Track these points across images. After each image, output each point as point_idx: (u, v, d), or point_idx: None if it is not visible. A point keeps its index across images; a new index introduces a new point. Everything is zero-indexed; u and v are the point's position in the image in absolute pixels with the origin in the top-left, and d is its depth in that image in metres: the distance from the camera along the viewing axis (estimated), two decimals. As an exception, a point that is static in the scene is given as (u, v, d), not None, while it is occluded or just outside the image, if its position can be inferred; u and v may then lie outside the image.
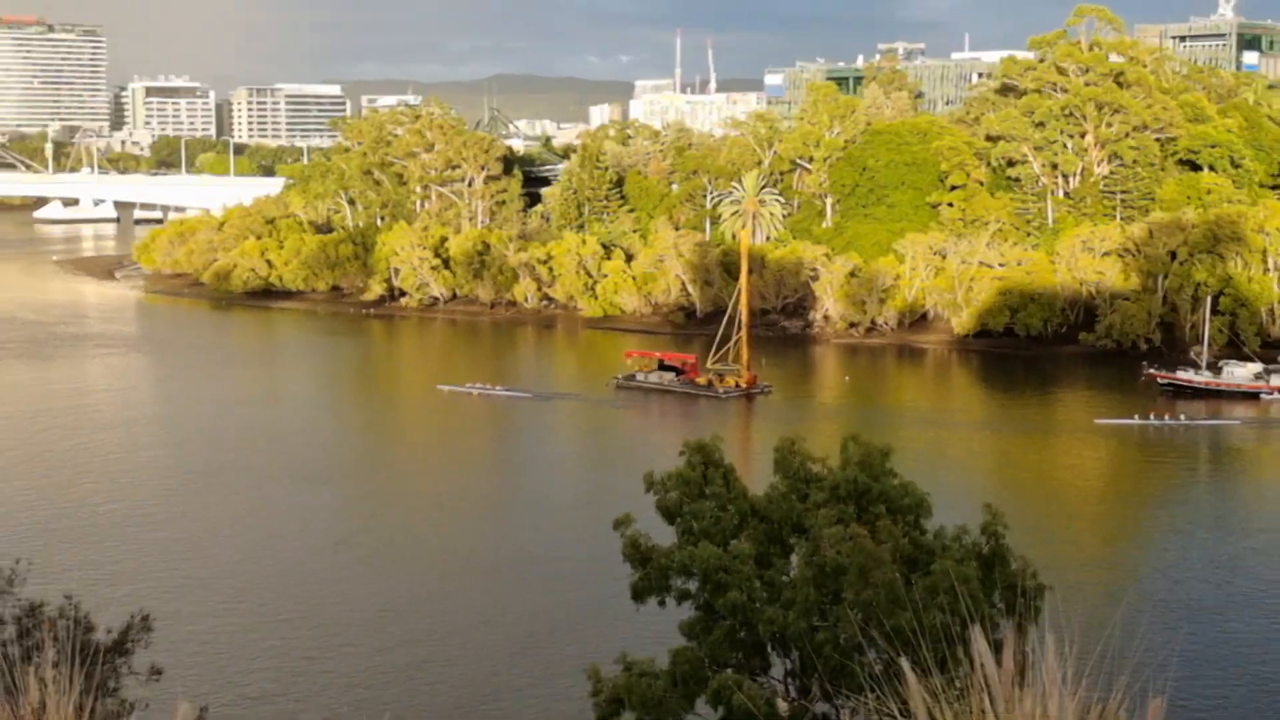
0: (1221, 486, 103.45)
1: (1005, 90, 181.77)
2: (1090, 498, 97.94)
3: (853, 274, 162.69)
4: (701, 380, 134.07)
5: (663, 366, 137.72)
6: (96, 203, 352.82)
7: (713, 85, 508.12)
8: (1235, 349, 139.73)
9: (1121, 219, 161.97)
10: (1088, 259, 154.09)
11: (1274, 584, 76.68)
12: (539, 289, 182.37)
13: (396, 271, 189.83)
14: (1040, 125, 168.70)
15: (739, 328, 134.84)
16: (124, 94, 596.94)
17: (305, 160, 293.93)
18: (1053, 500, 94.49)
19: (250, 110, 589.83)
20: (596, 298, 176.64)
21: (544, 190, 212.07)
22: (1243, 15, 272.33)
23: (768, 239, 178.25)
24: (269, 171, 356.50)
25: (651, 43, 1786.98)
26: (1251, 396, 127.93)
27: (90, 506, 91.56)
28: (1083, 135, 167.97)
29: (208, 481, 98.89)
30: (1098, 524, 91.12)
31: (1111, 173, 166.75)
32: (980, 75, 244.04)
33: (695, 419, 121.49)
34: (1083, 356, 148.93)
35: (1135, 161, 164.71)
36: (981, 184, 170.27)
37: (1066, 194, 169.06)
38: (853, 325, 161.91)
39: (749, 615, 36.63)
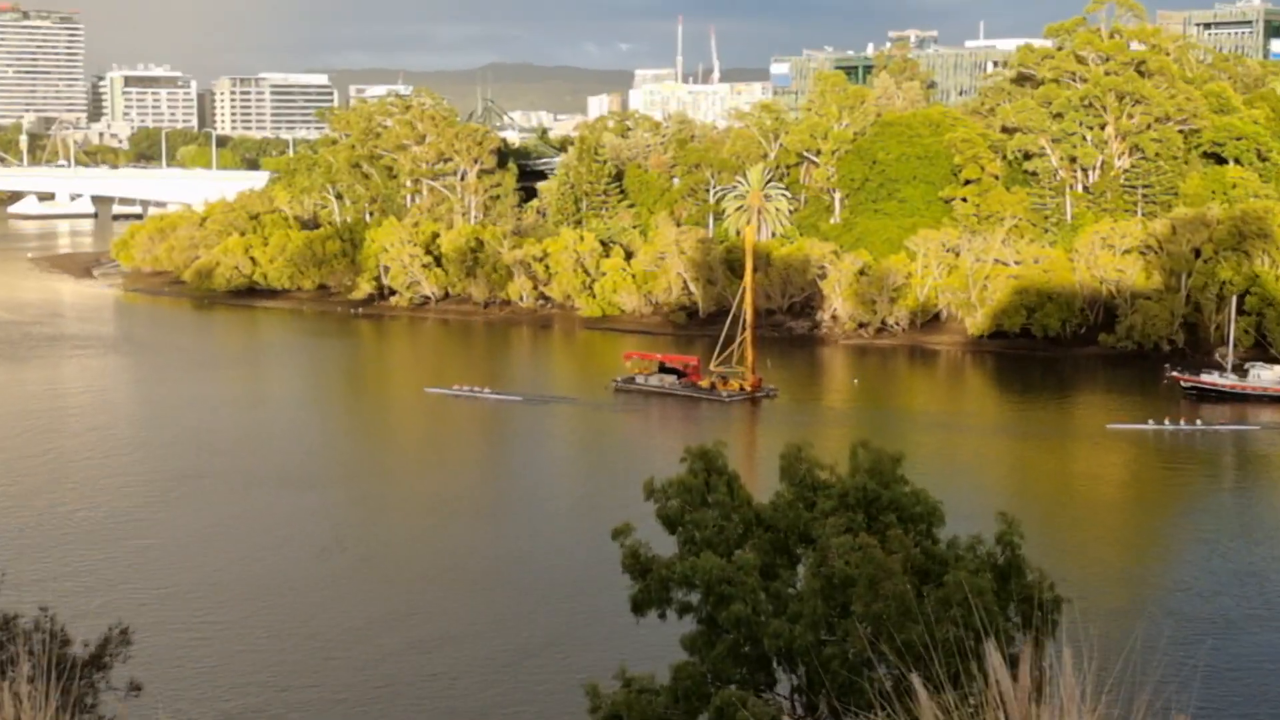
0: (1246, 494, 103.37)
1: (1022, 80, 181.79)
2: (1110, 506, 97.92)
3: (862, 272, 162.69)
4: (704, 383, 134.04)
5: (663, 369, 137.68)
6: (73, 197, 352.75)
7: (716, 75, 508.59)
8: (1262, 350, 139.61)
9: (1143, 215, 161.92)
10: (1108, 257, 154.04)
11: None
12: (534, 288, 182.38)
13: (386, 269, 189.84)
14: (1058, 116, 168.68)
15: (743, 328, 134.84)
16: (102, 84, 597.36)
17: (291, 153, 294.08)
18: (1071, 508, 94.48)
19: (233, 101, 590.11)
20: (594, 297, 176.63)
21: (540, 184, 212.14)
22: (1270, 1, 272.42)
23: (773, 235, 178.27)
24: (253, 165, 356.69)
25: (652, 31, 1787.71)
26: (1278, 400, 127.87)
27: (66, 513, 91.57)
28: (1102, 127, 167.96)
29: (188, 487, 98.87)
30: (1118, 533, 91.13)
31: (1133, 166, 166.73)
32: (995, 64, 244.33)
33: (697, 424, 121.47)
34: (1102, 359, 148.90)
35: (1157, 154, 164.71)
36: (997, 178, 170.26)
37: (1085, 188, 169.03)
38: (862, 326, 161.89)
39: (753, 629, 36.64)
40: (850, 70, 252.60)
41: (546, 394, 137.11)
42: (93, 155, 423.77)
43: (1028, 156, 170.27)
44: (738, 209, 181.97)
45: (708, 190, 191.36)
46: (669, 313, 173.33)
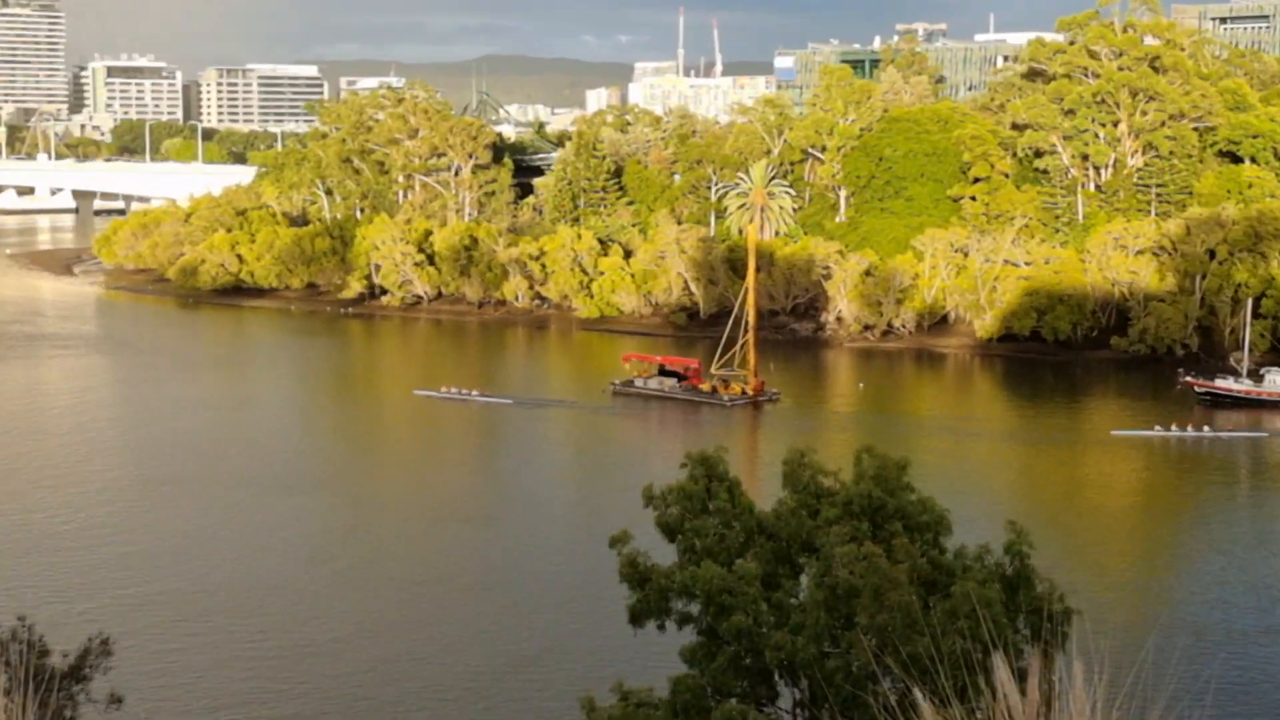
0: (1260, 503, 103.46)
1: (1032, 75, 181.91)
2: (1122, 514, 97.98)
3: (868, 273, 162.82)
4: (705, 387, 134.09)
5: (663, 372, 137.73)
6: (53, 191, 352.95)
7: (718, 68, 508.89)
8: (1278, 355, 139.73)
9: (1157, 214, 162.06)
10: (1120, 258, 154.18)
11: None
12: (530, 287, 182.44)
13: (377, 268, 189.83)
14: (1070, 113, 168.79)
15: (745, 330, 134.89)
16: (83, 74, 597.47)
17: (279, 147, 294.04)
18: (1081, 517, 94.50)
19: (220, 92, 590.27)
20: (592, 297, 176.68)
21: (536, 180, 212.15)
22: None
23: (777, 234, 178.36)
24: (240, 159, 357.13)
25: (652, 22, 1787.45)
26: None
27: (45, 518, 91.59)
28: (1115, 124, 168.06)
29: (171, 491, 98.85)
30: (1129, 543, 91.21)
31: (1146, 164, 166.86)
32: (1006, 59, 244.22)
33: (698, 428, 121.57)
34: (1114, 363, 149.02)
35: (1172, 153, 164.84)
36: (1007, 176, 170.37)
37: (1098, 187, 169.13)
38: (868, 328, 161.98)
39: (755, 641, 36.66)
40: (856, 64, 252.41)
41: (541, 397, 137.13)
42: (74, 148, 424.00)
43: (1038, 154, 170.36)
44: (740, 207, 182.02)
45: (709, 187, 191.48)
46: (669, 314, 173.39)
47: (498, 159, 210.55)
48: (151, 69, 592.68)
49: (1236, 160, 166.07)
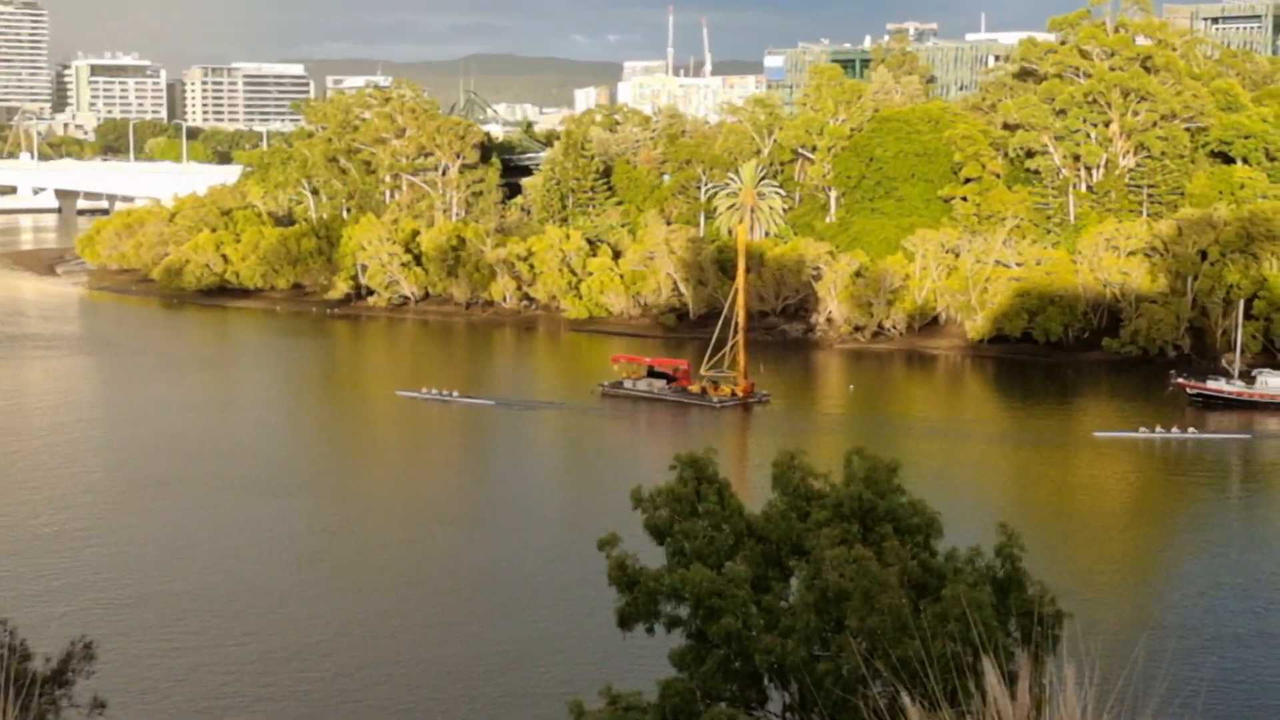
0: (1252, 504, 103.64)
1: (1024, 75, 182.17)
2: (1113, 516, 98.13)
3: (858, 273, 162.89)
4: (694, 388, 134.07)
5: (652, 373, 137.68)
6: (36, 191, 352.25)
7: (708, 67, 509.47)
8: (1270, 357, 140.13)
9: (1148, 215, 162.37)
10: (1112, 258, 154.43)
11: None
12: (518, 288, 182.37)
13: (363, 268, 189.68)
14: (1061, 113, 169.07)
15: (735, 331, 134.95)
16: (67, 72, 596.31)
17: (265, 146, 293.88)
18: (1073, 519, 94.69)
19: (205, 91, 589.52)
20: (581, 298, 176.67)
21: (524, 180, 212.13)
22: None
23: (766, 235, 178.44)
24: (225, 158, 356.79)
25: (641, 21, 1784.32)
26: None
27: (27, 519, 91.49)
28: (1107, 124, 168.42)
29: (154, 493, 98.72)
30: (1121, 545, 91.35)
31: (1138, 165, 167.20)
32: (997, 58, 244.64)
33: (687, 430, 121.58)
34: (1106, 364, 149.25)
35: (1163, 153, 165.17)
36: (998, 176, 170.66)
37: (1089, 188, 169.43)
38: (858, 329, 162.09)
39: (744, 644, 36.67)
40: (847, 64, 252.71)
41: (527, 398, 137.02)
42: (57, 147, 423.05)
43: (1030, 154, 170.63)
44: (730, 207, 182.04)
45: (699, 187, 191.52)
46: (658, 315, 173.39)
47: (485, 159, 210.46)
48: (135, 67, 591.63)
49: (1228, 161, 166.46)
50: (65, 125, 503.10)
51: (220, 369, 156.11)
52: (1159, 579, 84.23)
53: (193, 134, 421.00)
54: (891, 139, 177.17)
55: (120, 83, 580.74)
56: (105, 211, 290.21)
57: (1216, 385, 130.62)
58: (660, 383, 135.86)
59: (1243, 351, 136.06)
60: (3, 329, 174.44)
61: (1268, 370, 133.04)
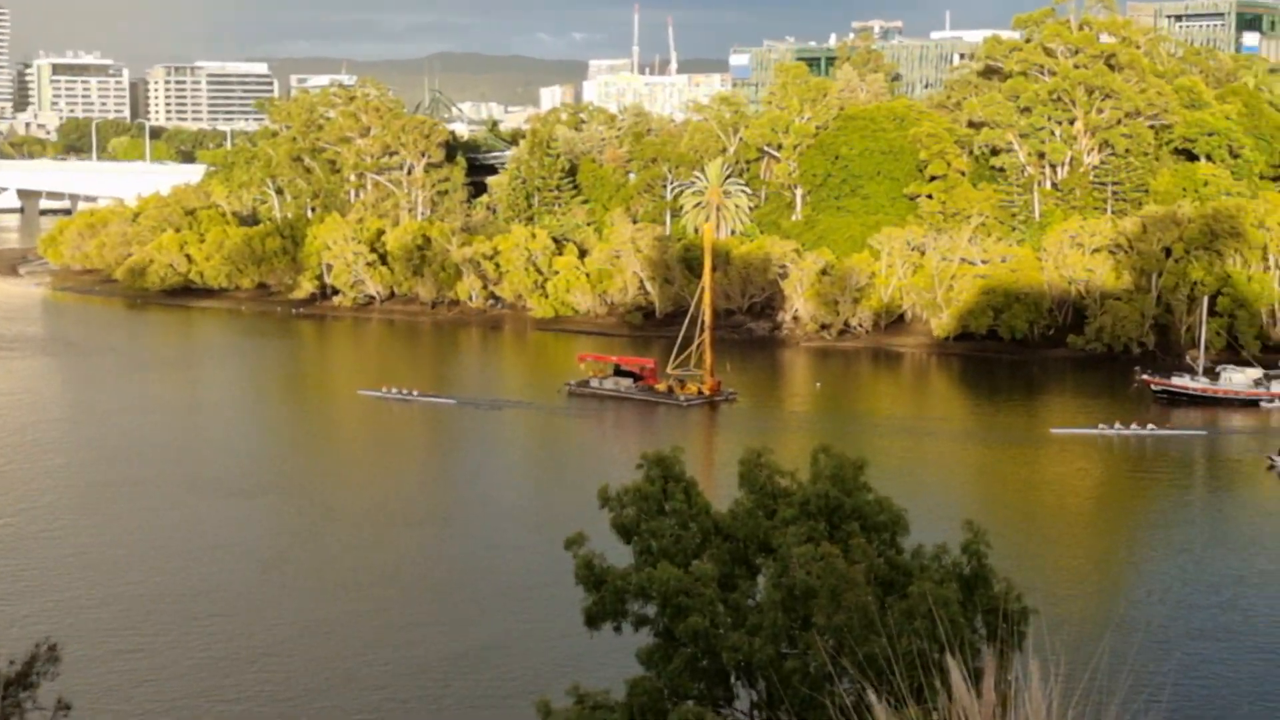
0: (1216, 502, 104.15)
1: (989, 73, 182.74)
2: (1078, 513, 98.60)
3: (824, 272, 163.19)
4: (661, 387, 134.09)
5: (619, 372, 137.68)
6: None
7: (673, 65, 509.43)
8: (1234, 353, 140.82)
9: (1113, 212, 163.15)
10: (1077, 256, 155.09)
11: (1275, 607, 77.40)
12: (484, 287, 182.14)
13: (329, 267, 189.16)
14: (1026, 111, 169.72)
15: (701, 330, 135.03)
16: (28, 71, 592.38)
17: (229, 145, 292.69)
18: (1038, 516, 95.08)
19: (168, 90, 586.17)
20: (547, 296, 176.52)
21: (490, 179, 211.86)
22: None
23: (732, 233, 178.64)
24: (189, 158, 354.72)
25: (607, 19, 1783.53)
26: (1251, 404, 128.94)
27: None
28: (1071, 122, 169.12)
29: (118, 494, 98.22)
30: (1086, 541, 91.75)
31: (1102, 162, 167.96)
32: (962, 56, 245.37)
33: (654, 429, 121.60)
34: (1071, 361, 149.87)
35: (1128, 151, 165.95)
36: (963, 174, 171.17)
37: (1054, 185, 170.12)
38: (824, 327, 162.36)
39: (712, 642, 36.71)
40: (812, 62, 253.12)
41: (494, 397, 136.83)
42: (18, 146, 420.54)
43: (995, 152, 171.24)
44: (696, 205, 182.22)
45: (664, 186, 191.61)
46: (624, 313, 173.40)
47: (451, 158, 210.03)
48: (98, 66, 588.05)
49: (1192, 158, 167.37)
50: (27, 125, 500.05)
51: (184, 370, 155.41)
52: (1123, 576, 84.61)
53: (156, 133, 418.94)
54: (857, 137, 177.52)
55: (83, 82, 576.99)
56: (68, 211, 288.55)
57: (1181, 382, 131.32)
58: (627, 381, 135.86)
59: (1207, 348, 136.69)
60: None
61: (1231, 366, 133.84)
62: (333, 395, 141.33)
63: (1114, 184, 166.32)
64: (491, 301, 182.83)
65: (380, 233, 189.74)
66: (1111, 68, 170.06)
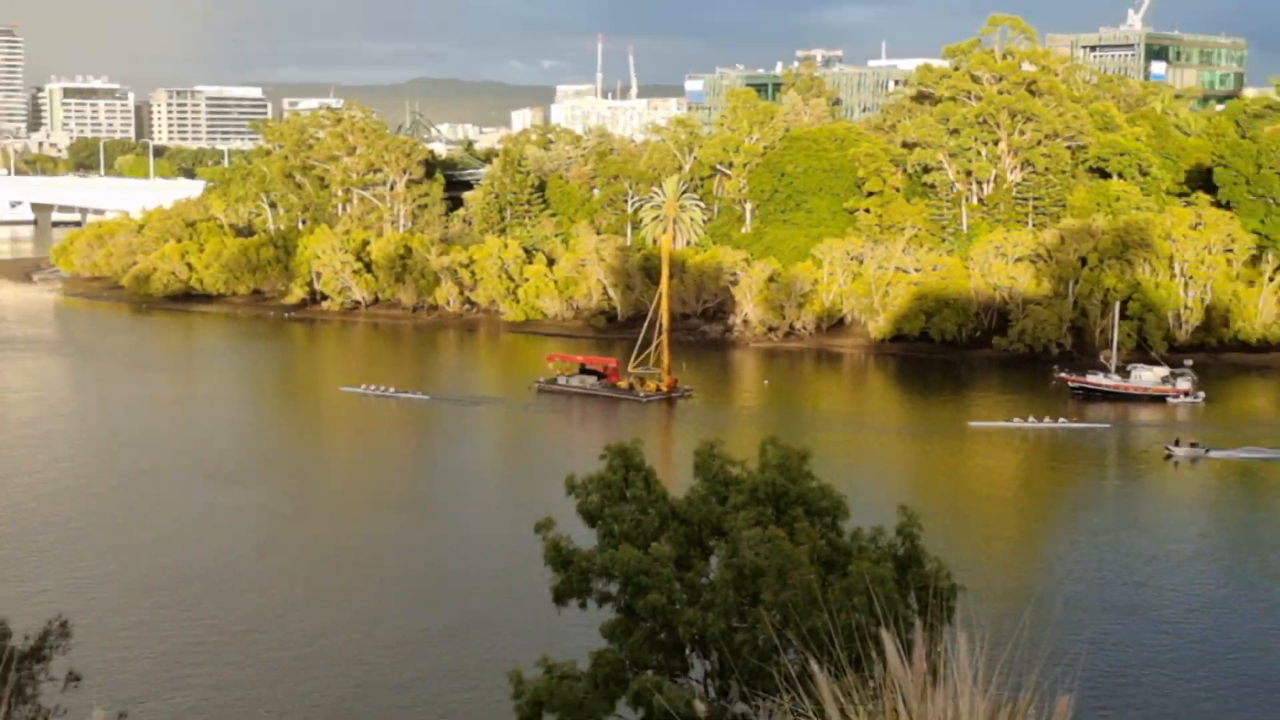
0: (1126, 489, 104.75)
1: (921, 98, 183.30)
2: (1002, 498, 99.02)
3: (771, 279, 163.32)
4: (623, 384, 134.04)
5: (584, 370, 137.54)
6: (13, 204, 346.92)
7: (634, 91, 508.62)
8: (1143, 353, 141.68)
9: (1034, 225, 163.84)
10: (1001, 265, 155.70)
11: (1182, 582, 77.92)
12: (461, 293, 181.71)
13: (318, 275, 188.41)
14: (955, 132, 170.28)
15: (660, 332, 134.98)
16: (41, 95, 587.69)
17: (226, 163, 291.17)
18: (966, 501, 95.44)
19: (170, 112, 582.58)
20: (518, 302, 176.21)
21: (466, 194, 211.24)
22: (1150, 26, 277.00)
23: (688, 244, 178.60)
24: (189, 174, 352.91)
25: (573, 48, 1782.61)
26: (1158, 400, 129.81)
27: (3, 512, 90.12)
28: (996, 142, 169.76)
29: (123, 482, 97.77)
30: (1009, 525, 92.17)
31: (1024, 179, 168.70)
32: (897, 83, 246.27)
33: (616, 423, 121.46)
34: (996, 361, 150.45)
35: (1047, 169, 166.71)
36: (898, 190, 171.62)
37: (980, 200, 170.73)
38: (771, 329, 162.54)
39: (669, 617, 36.71)
40: (760, 87, 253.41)
41: (471, 394, 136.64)
42: (32, 164, 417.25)
43: (926, 170, 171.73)
44: (654, 219, 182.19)
45: (626, 200, 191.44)
46: (589, 317, 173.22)
47: (430, 174, 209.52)
48: (105, 90, 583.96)
49: (1105, 176, 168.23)
50: (40, 144, 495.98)
51: (184, 369, 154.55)
52: (1042, 556, 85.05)
53: (159, 152, 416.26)
54: (801, 156, 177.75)
55: (91, 104, 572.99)
56: (78, 223, 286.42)
57: (1095, 379, 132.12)
58: (592, 379, 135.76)
59: (1118, 348, 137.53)
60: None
61: (1140, 365, 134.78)
62: (320, 392, 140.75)
63: (1034, 199, 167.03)
64: (467, 306, 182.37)
65: (365, 243, 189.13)
66: (1032, 94, 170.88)
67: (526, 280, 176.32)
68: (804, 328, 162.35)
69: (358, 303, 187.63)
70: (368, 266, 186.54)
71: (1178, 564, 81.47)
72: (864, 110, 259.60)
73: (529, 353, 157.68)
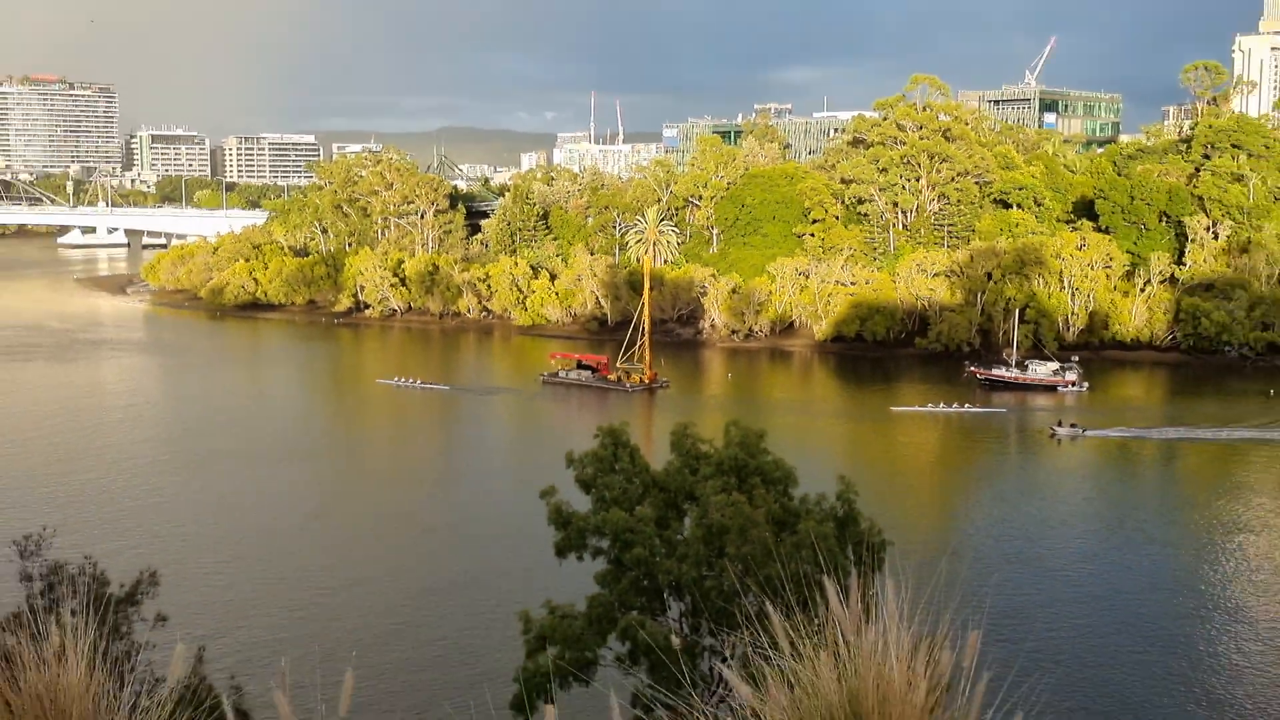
0: (1024, 462, 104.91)
1: (856, 142, 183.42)
2: (922, 469, 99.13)
3: (734, 291, 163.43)
4: (612, 377, 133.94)
5: (581, 365, 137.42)
6: (110, 231, 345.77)
7: (621, 137, 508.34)
8: (1038, 351, 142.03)
9: (948, 247, 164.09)
10: (922, 279, 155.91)
11: (1068, 538, 78.15)
12: (479, 302, 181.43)
13: (362, 288, 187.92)
14: (884, 171, 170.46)
15: (642, 334, 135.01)
16: (133, 140, 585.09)
17: (286, 196, 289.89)
18: (893, 472, 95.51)
19: (239, 155, 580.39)
20: (526, 309, 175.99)
21: (483, 222, 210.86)
22: (1044, 84, 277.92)
23: (665, 262, 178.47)
24: (255, 205, 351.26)
25: (571, 102, 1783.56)
26: (1050, 389, 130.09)
27: (102, 478, 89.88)
28: (918, 179, 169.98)
29: (198, 458, 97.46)
30: (928, 490, 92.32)
31: (940, 209, 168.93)
32: (836, 130, 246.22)
33: (607, 409, 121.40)
34: (918, 357, 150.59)
35: (959, 200, 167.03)
36: (837, 218, 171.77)
37: (905, 226, 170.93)
38: (734, 332, 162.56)
39: (650, 567, 36.73)
40: (725, 134, 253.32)
41: (488, 385, 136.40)
42: (126, 198, 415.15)
43: (860, 201, 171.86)
44: (637, 241, 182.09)
45: (614, 227, 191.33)
46: (585, 322, 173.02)
47: (453, 206, 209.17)
48: (186, 136, 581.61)
49: (1007, 206, 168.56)
50: (132, 181, 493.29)
51: (251, 366, 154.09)
52: (955, 516, 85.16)
53: (230, 187, 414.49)
54: (758, 190, 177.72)
55: (174, 148, 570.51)
56: (164, 246, 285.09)
57: (999, 372, 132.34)
58: (587, 373, 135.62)
59: (1018, 347, 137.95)
60: (85, 336, 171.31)
61: (1036, 360, 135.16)
62: (361, 384, 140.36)
63: (949, 225, 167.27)
64: (485, 313, 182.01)
65: (400, 262, 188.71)
66: (947, 139, 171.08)
67: (533, 292, 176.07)
68: (760, 331, 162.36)
69: (394, 311, 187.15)
70: (402, 281, 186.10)
71: (1064, 523, 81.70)
72: (810, 153, 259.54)
73: (535, 351, 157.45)
